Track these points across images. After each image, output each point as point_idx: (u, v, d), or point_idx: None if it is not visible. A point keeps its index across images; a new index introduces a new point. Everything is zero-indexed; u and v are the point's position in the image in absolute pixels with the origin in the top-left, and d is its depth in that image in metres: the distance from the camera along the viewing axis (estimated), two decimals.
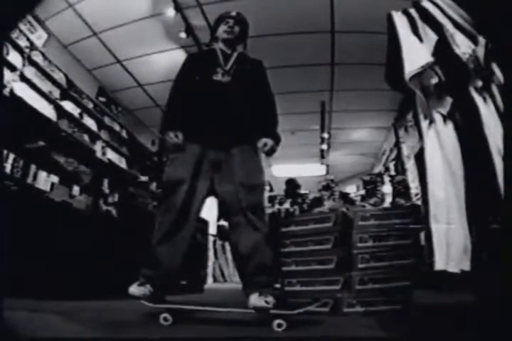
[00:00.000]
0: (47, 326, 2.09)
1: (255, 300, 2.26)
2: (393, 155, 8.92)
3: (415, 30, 1.95)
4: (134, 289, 2.40)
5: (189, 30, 5.90)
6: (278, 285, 3.28)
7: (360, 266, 3.15)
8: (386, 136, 9.57)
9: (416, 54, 1.86)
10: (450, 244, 1.76)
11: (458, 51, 1.76)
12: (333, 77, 7.16)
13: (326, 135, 9.19)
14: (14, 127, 3.42)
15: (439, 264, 1.77)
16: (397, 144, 8.46)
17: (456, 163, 1.77)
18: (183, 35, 5.91)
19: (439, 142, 1.81)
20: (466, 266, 1.73)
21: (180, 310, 2.36)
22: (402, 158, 8.18)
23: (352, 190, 9.81)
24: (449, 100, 1.82)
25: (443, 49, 1.80)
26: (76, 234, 3.57)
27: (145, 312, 2.52)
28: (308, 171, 10.81)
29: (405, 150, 7.99)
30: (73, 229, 3.61)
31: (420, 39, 1.92)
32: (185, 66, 2.88)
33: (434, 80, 1.87)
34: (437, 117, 1.85)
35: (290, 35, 6.02)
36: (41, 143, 4.46)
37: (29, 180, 4.38)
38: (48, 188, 4.65)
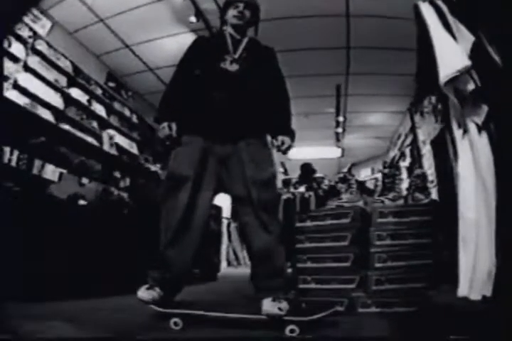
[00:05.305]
0: (48, 326, 2.03)
1: (268, 306, 2.15)
2: (409, 141, 8.76)
3: (446, 25, 1.72)
4: (143, 293, 2.29)
5: (199, 13, 5.71)
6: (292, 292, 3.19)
7: (377, 265, 3.06)
8: (401, 120, 9.40)
9: (451, 55, 1.64)
10: (476, 268, 1.63)
11: (494, 55, 1.57)
12: (349, 61, 6.99)
13: (341, 118, 9.07)
14: (15, 123, 3.30)
15: (462, 290, 1.67)
16: (413, 129, 8.30)
17: (490, 179, 1.60)
18: (192, 19, 5.73)
19: (473, 155, 1.63)
20: (488, 291, 1.61)
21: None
22: (417, 144, 8.01)
23: (367, 172, 9.80)
24: (484, 108, 1.63)
25: (479, 51, 1.60)
26: (83, 232, 3.48)
27: (154, 313, 2.43)
28: (323, 154, 10.75)
29: (421, 136, 7.83)
30: (80, 225, 3.52)
31: (453, 36, 1.70)
32: (191, 51, 2.67)
33: (471, 86, 1.67)
34: (472, 127, 1.67)
35: (305, 18, 5.83)
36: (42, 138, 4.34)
37: (35, 171, 4.28)
38: (56, 178, 4.56)
